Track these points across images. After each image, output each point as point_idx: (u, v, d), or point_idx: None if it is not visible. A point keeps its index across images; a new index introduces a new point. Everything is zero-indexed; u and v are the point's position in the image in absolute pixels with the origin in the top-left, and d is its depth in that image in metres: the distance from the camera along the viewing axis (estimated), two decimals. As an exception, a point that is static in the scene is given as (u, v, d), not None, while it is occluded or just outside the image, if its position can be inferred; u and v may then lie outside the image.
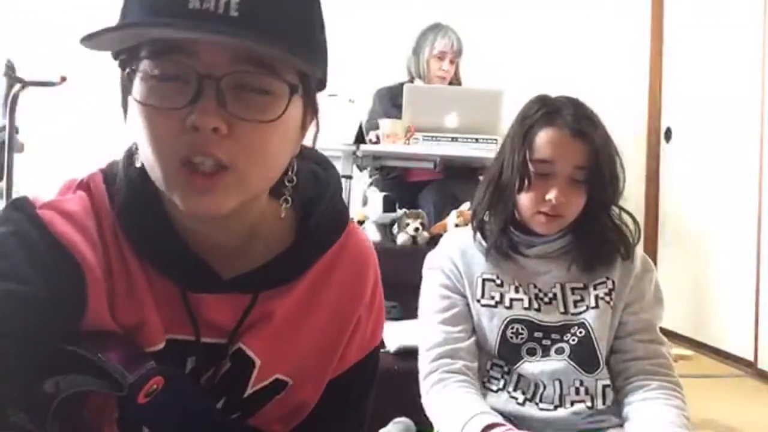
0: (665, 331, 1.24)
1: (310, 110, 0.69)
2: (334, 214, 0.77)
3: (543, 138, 1.16)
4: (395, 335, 1.85)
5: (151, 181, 0.64)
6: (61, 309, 0.61)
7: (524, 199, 1.18)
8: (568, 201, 1.15)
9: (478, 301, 1.22)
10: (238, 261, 0.71)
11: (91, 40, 0.57)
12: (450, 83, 2.96)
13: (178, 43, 0.58)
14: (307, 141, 0.72)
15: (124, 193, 0.68)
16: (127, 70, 0.61)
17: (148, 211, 0.67)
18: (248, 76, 0.60)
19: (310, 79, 0.66)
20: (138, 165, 0.66)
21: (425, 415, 1.21)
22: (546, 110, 1.18)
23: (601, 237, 1.21)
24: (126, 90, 0.63)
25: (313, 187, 0.76)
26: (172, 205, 0.65)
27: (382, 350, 1.87)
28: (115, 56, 0.64)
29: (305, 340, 0.75)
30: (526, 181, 1.17)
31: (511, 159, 1.19)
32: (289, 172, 0.72)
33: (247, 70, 0.60)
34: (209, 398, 0.71)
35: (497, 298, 1.21)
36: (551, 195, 1.14)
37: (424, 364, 1.20)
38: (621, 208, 1.23)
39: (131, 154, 0.69)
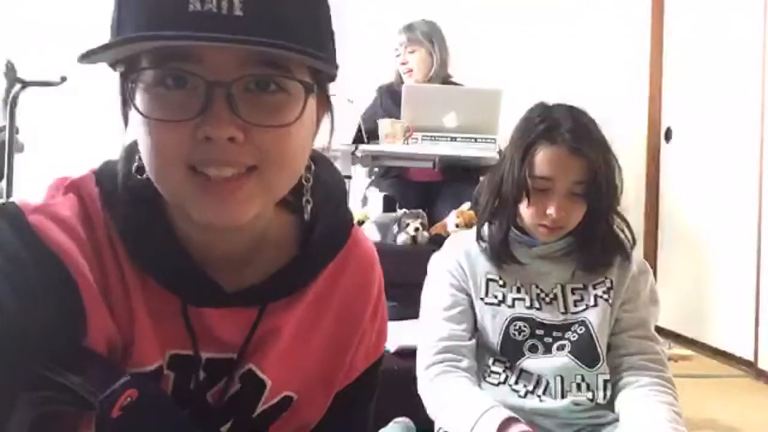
0: (666, 332, 1.26)
1: (324, 104, 0.66)
2: (339, 222, 0.74)
3: (542, 156, 1.20)
4: (395, 335, 1.84)
5: (153, 186, 0.60)
6: (53, 332, 0.57)
7: (526, 212, 1.22)
8: (567, 214, 1.20)
9: (482, 299, 1.26)
10: (242, 272, 0.67)
11: (89, 58, 0.53)
12: (442, 81, 2.95)
13: (180, 49, 0.54)
14: (319, 141, 0.69)
15: (123, 199, 0.63)
16: (128, 81, 0.57)
17: (150, 220, 0.63)
18: (260, 78, 0.56)
19: (322, 73, 0.62)
20: (142, 176, 0.62)
21: (425, 415, 1.21)
22: (545, 125, 1.21)
23: (601, 242, 1.25)
24: (126, 100, 0.59)
25: (319, 194, 0.72)
26: (177, 213, 0.62)
27: (381, 350, 1.86)
28: (113, 66, 0.60)
29: (312, 355, 0.73)
30: (525, 195, 1.21)
31: (511, 173, 1.23)
32: (305, 172, 0.68)
33: (258, 72, 0.56)
34: (182, 409, 0.67)
35: (500, 297, 1.25)
36: (551, 210, 1.19)
37: (427, 356, 1.22)
38: (618, 215, 1.27)
39: (130, 155, 0.64)
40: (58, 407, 0.59)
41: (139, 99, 0.56)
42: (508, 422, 1.06)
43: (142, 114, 0.56)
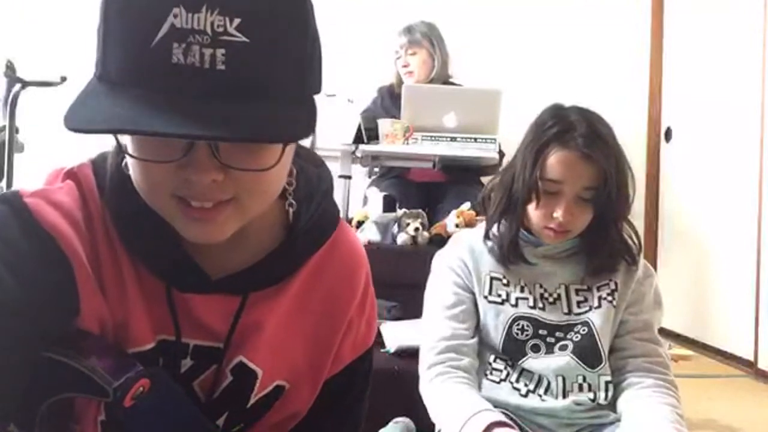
0: (666, 332, 1.26)
1: None
2: (325, 213, 0.75)
3: (554, 159, 1.19)
4: (395, 335, 1.85)
5: None
6: (48, 311, 0.59)
7: (533, 214, 1.22)
8: (574, 218, 1.19)
9: (485, 297, 1.26)
10: (228, 260, 0.69)
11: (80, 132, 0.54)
12: (443, 82, 2.95)
13: None
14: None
15: (115, 188, 0.66)
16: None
17: (140, 207, 0.64)
18: None
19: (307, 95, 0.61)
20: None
21: (425, 415, 1.21)
22: (558, 128, 1.20)
23: (609, 247, 1.24)
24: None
25: (304, 186, 0.74)
26: None
27: (382, 350, 1.88)
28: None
29: (299, 343, 0.75)
30: (535, 197, 1.20)
31: (522, 174, 1.22)
32: (288, 176, 0.69)
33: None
34: (192, 400, 0.69)
35: (503, 296, 1.25)
36: (558, 213, 1.18)
37: (429, 355, 1.22)
38: (627, 222, 1.26)
39: (119, 147, 0.64)
40: (72, 394, 0.61)
41: (126, 138, 0.58)
42: (492, 426, 1.05)
43: (128, 154, 0.58)
